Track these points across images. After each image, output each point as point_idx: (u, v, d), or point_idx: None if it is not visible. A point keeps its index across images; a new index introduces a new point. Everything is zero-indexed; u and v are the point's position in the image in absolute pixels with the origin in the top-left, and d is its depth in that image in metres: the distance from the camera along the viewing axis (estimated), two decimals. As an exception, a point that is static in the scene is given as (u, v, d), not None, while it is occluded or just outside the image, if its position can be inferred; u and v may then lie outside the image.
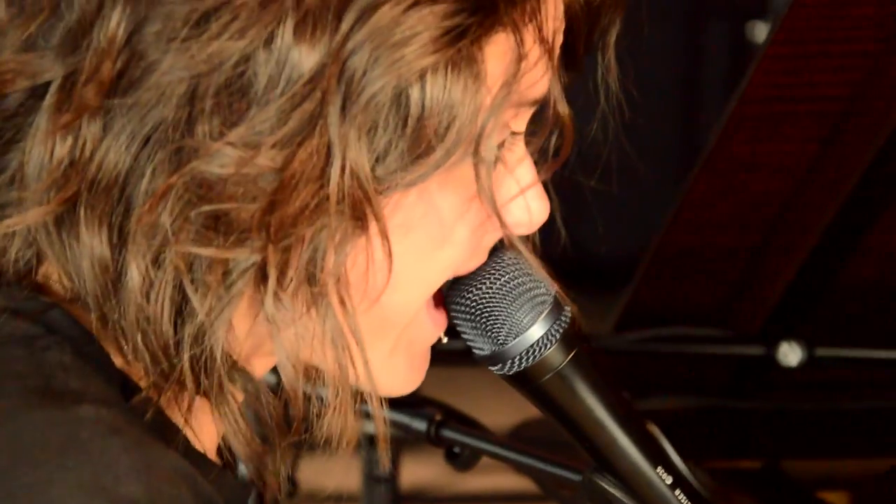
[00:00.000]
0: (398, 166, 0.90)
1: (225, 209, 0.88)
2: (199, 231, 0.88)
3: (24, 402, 0.86)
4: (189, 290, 0.89)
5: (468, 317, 1.03)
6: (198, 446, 0.97)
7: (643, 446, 1.08)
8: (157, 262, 0.89)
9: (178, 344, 0.90)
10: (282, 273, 0.89)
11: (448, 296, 1.03)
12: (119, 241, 0.89)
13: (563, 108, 0.98)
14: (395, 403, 1.40)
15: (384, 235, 0.91)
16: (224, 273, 0.89)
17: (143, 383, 0.94)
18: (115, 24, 0.87)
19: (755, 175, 1.64)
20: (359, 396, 0.96)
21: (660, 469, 1.08)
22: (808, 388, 1.87)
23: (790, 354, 1.70)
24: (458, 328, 1.04)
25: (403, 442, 2.23)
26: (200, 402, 0.95)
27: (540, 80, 0.96)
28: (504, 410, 1.91)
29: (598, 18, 1.01)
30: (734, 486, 1.64)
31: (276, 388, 0.96)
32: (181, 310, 0.90)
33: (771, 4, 9.68)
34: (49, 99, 0.89)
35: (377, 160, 0.89)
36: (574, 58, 1.03)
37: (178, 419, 0.96)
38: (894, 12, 1.47)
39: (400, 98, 0.89)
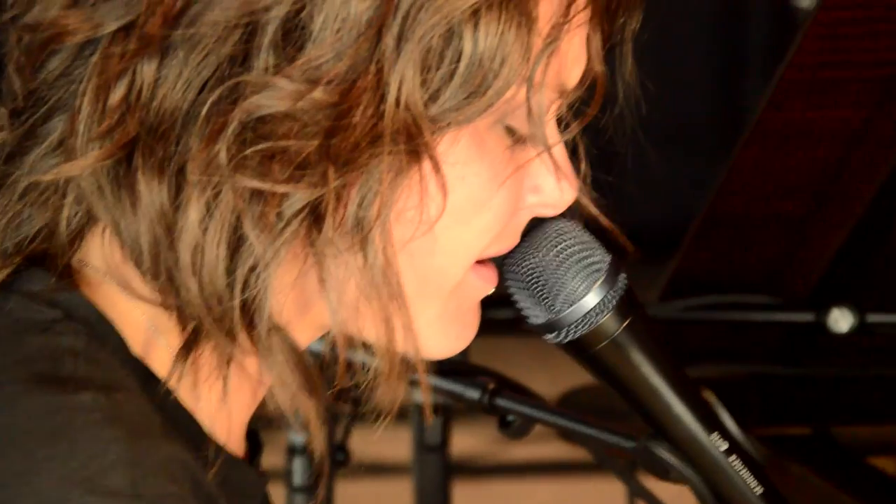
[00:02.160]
0: (451, 105, 0.90)
1: (282, 146, 0.88)
2: (257, 168, 0.88)
3: (26, 388, 0.86)
4: (247, 225, 0.88)
5: (523, 285, 1.03)
6: (218, 432, 0.96)
7: (698, 413, 1.08)
8: (215, 200, 0.88)
9: (230, 287, 0.89)
10: (335, 211, 0.89)
11: (504, 265, 1.03)
12: (176, 185, 0.89)
13: (599, 66, 0.98)
14: (448, 372, 1.42)
15: (437, 168, 0.91)
16: (279, 212, 0.89)
17: (161, 371, 0.93)
18: None
19: (804, 142, 1.63)
20: (409, 364, 0.96)
21: (715, 435, 1.08)
22: (859, 353, 1.86)
23: (841, 320, 1.69)
24: (513, 297, 1.05)
25: (454, 411, 2.25)
26: (235, 373, 0.95)
27: (573, 61, 0.97)
28: (548, 381, 1.92)
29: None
30: (784, 452, 1.64)
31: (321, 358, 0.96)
32: (236, 251, 0.89)
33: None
34: (101, 52, 0.89)
35: (431, 98, 0.89)
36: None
37: (200, 401, 0.96)
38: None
39: (452, 36, 0.89)
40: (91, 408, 0.85)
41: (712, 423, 1.08)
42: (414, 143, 0.89)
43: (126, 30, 0.89)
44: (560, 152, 0.99)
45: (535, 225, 1.03)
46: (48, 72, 0.92)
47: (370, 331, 0.94)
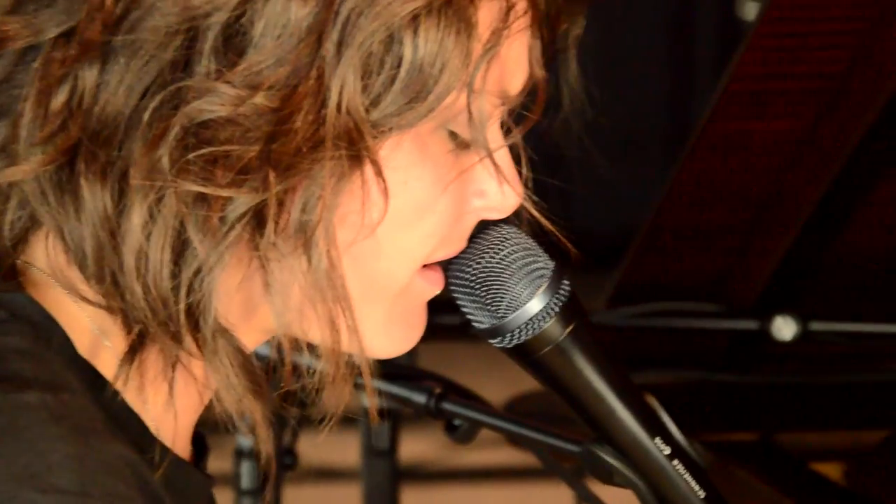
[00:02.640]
0: (392, 110, 0.90)
1: (224, 151, 0.88)
2: (199, 173, 0.88)
3: None
4: (191, 229, 0.88)
5: (468, 290, 1.03)
6: (164, 435, 0.96)
7: (642, 417, 1.08)
8: (158, 205, 0.88)
9: (175, 290, 0.89)
10: (278, 215, 0.89)
11: (448, 269, 1.03)
12: (119, 190, 0.89)
13: (539, 72, 0.98)
14: (395, 377, 1.42)
15: (379, 172, 0.91)
16: (222, 216, 0.89)
17: (108, 372, 0.93)
18: None
19: (747, 152, 1.64)
20: (355, 367, 0.96)
21: (658, 440, 1.08)
22: (802, 361, 1.87)
23: (784, 329, 1.70)
24: (458, 301, 1.05)
25: (402, 416, 2.25)
26: (181, 373, 0.94)
27: (516, 64, 0.97)
28: (497, 386, 1.93)
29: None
30: (729, 458, 1.64)
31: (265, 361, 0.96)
32: (180, 255, 0.89)
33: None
34: (43, 58, 0.89)
35: (372, 103, 0.90)
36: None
37: (144, 405, 0.95)
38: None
39: (393, 42, 0.89)
40: (37, 406, 0.85)
41: (655, 428, 1.08)
42: (356, 148, 0.90)
43: (67, 36, 0.89)
44: (503, 157, 0.99)
45: (480, 230, 1.03)
46: None
47: (315, 333, 0.94)
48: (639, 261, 1.76)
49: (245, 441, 2.03)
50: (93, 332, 0.94)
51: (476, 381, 1.55)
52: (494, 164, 0.97)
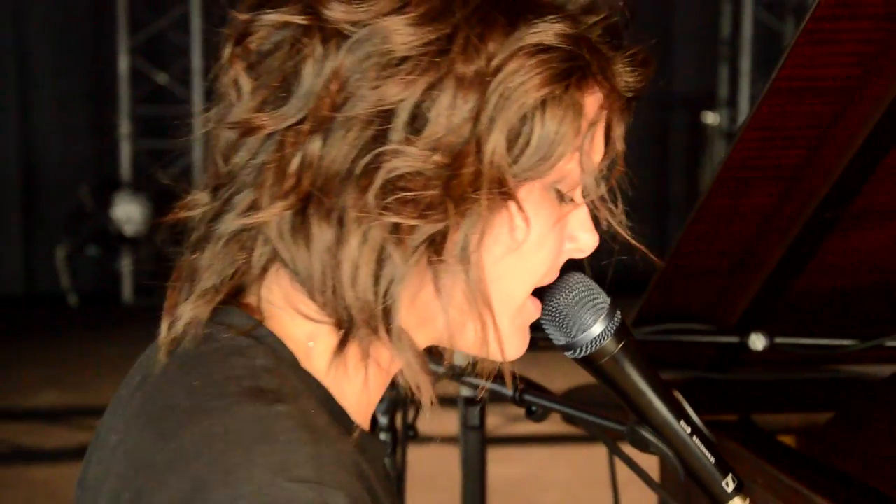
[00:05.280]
0: (527, 165, 0.88)
1: (413, 194, 0.86)
2: (395, 210, 0.86)
3: (238, 400, 0.84)
4: (389, 250, 0.86)
5: (550, 318, 1.01)
6: (358, 415, 0.94)
7: (671, 406, 1.05)
8: (366, 234, 0.86)
9: (375, 296, 0.87)
10: (447, 240, 0.87)
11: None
12: (338, 225, 0.87)
13: (621, 146, 0.95)
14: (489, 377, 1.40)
15: (520, 207, 0.89)
16: (410, 239, 0.87)
17: (323, 368, 0.91)
18: (337, 76, 0.86)
19: (732, 222, 1.62)
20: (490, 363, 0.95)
21: (682, 422, 1.06)
22: (769, 364, 1.85)
23: (757, 342, 1.67)
24: (543, 325, 1.02)
25: (488, 402, 2.23)
26: (372, 367, 0.92)
27: (600, 143, 0.94)
28: (558, 383, 1.90)
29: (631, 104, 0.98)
30: (719, 433, 1.62)
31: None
32: (380, 270, 0.87)
33: (718, 99, 9.61)
34: (279, 138, 0.88)
35: (513, 160, 0.87)
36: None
37: (346, 391, 0.93)
38: (826, 111, 1.45)
39: (527, 119, 0.87)
40: (286, 415, 0.83)
41: (680, 413, 1.06)
42: (503, 190, 0.88)
43: (298, 122, 0.87)
44: (585, 212, 0.96)
45: (560, 275, 1.00)
46: (239, 157, 0.90)
47: (470, 334, 0.92)
48: (655, 294, 1.74)
49: (381, 419, 2.00)
50: (305, 346, 0.92)
51: (544, 379, 1.52)
52: (585, 214, 0.96)
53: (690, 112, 9.38)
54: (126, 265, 8.66)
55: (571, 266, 1.01)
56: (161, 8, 8.63)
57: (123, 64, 8.55)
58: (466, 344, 0.93)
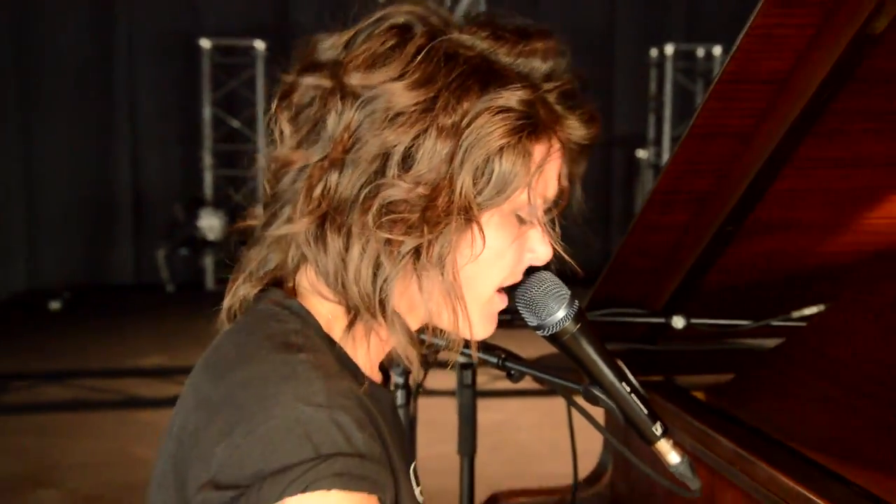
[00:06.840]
0: (488, 197, 0.87)
1: (400, 217, 0.86)
2: (387, 228, 0.86)
3: (271, 351, 0.84)
4: (382, 258, 0.86)
5: (525, 305, 1.00)
6: (367, 371, 0.93)
7: (615, 371, 1.04)
8: (366, 245, 0.86)
9: (374, 290, 0.87)
10: (427, 251, 0.87)
11: (513, 293, 0.99)
12: (346, 237, 0.87)
13: (564, 183, 0.95)
14: (480, 347, 1.38)
15: (481, 230, 0.88)
16: (398, 251, 0.86)
17: (339, 335, 0.91)
18: (350, 127, 0.86)
19: (659, 233, 1.61)
20: (462, 342, 0.94)
21: (623, 383, 1.05)
22: (687, 339, 1.83)
23: (678, 322, 1.65)
24: (519, 310, 1.01)
25: (478, 366, 2.21)
26: (374, 338, 0.92)
27: (551, 180, 0.93)
28: (529, 352, 1.89)
29: (579, 155, 0.98)
30: (649, 390, 1.61)
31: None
32: (377, 271, 0.87)
33: (647, 140, 9.58)
34: (309, 170, 0.88)
35: (478, 193, 0.87)
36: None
37: (357, 353, 0.92)
38: (729, 151, 1.43)
39: (490, 161, 0.86)
40: (306, 361, 0.83)
41: (622, 376, 1.05)
42: (469, 216, 0.87)
43: (322, 159, 0.88)
44: (541, 232, 0.96)
45: (529, 272, 0.99)
46: (283, 182, 0.91)
47: (445, 321, 0.92)
48: (602, 286, 1.72)
49: (398, 379, 1.99)
50: (328, 319, 0.92)
51: (520, 350, 1.51)
52: (541, 233, 0.95)
53: (627, 149, 9.40)
54: (209, 262, 8.72)
55: (543, 267, 1.00)
56: (234, 72, 8.78)
57: (207, 113, 8.67)
58: (444, 325, 0.93)
